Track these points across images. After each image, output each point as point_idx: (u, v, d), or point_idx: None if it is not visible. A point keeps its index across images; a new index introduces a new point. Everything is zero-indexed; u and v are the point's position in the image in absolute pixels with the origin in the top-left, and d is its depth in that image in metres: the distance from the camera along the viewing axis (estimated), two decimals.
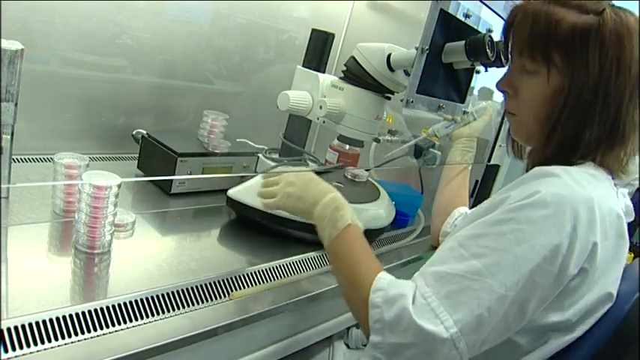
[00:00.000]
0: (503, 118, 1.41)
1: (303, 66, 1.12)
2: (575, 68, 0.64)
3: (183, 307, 0.72)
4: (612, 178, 0.68)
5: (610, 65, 0.63)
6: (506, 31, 0.71)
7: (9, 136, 0.82)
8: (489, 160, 1.49)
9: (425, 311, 0.59)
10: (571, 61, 0.64)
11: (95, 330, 0.63)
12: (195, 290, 0.75)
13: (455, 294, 0.59)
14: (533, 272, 0.58)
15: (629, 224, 0.67)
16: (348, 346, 1.00)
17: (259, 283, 0.84)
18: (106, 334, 0.63)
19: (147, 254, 0.83)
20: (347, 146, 1.29)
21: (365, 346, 0.66)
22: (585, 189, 0.60)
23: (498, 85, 0.73)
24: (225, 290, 0.79)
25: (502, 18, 0.97)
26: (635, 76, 0.64)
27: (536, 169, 0.65)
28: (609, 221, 0.62)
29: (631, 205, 0.71)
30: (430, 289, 0.60)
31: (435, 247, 1.01)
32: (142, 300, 0.69)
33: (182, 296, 0.73)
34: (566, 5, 0.65)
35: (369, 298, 0.63)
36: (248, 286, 0.82)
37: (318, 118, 1.05)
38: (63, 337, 0.60)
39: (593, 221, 0.59)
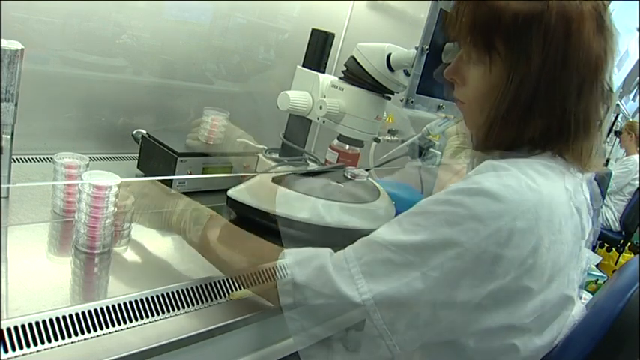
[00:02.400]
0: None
1: (303, 66, 1.12)
2: (516, 57, 0.60)
3: (183, 307, 0.72)
4: (574, 169, 0.64)
5: (555, 55, 0.59)
6: (452, 18, 0.67)
7: (9, 136, 0.82)
8: None
9: (344, 275, 0.59)
10: (513, 49, 0.60)
11: (95, 330, 0.63)
12: (195, 290, 0.75)
13: (376, 263, 0.58)
14: (462, 256, 0.55)
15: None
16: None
17: (259, 283, 0.84)
18: (106, 334, 0.63)
19: (147, 254, 0.83)
20: (347, 146, 1.28)
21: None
22: (534, 182, 0.57)
23: (445, 75, 0.69)
24: (225, 290, 0.78)
25: None
26: (583, 66, 0.60)
27: (486, 162, 0.62)
28: (563, 214, 0.59)
29: (598, 192, 0.69)
30: (354, 254, 0.60)
31: None
32: (141, 300, 0.69)
33: (182, 296, 0.73)
34: None
35: (276, 262, 0.63)
36: (248, 286, 0.82)
37: (318, 118, 1.05)
38: (63, 337, 0.60)
39: (538, 215, 0.56)
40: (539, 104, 0.60)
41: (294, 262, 0.63)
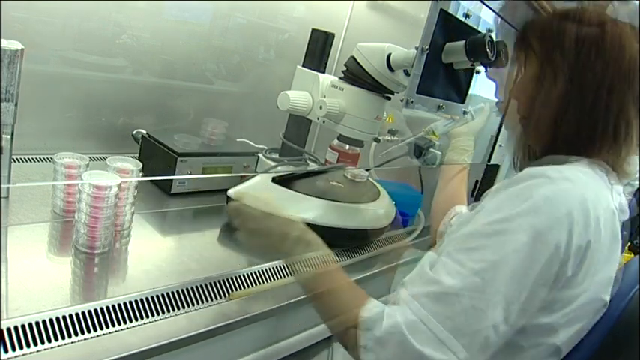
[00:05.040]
0: (503, 118, 1.40)
1: (303, 66, 1.12)
2: (550, 54, 0.64)
3: (183, 307, 0.72)
4: (608, 177, 0.66)
5: (588, 52, 0.62)
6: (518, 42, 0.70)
7: (9, 136, 0.82)
8: (489, 160, 1.48)
9: (427, 338, 0.55)
10: (547, 47, 0.65)
11: (95, 330, 0.63)
12: (195, 290, 0.75)
13: (458, 315, 0.55)
14: (534, 281, 0.56)
15: (623, 225, 0.65)
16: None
17: (259, 283, 0.84)
18: (106, 334, 0.63)
19: (147, 254, 0.83)
20: (347, 146, 1.29)
21: None
22: (578, 187, 0.59)
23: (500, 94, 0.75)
24: (225, 290, 0.79)
25: (502, 18, 0.97)
26: (616, 65, 0.62)
27: (527, 170, 0.63)
28: (604, 219, 0.60)
29: (626, 203, 0.69)
30: (429, 312, 0.57)
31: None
32: (142, 300, 0.69)
33: (182, 296, 0.73)
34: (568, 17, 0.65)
35: (357, 330, 0.60)
36: (248, 286, 0.82)
37: (318, 118, 1.05)
38: (63, 337, 0.60)
39: (586, 221, 0.58)
40: (571, 101, 0.63)
41: (375, 342, 0.58)
